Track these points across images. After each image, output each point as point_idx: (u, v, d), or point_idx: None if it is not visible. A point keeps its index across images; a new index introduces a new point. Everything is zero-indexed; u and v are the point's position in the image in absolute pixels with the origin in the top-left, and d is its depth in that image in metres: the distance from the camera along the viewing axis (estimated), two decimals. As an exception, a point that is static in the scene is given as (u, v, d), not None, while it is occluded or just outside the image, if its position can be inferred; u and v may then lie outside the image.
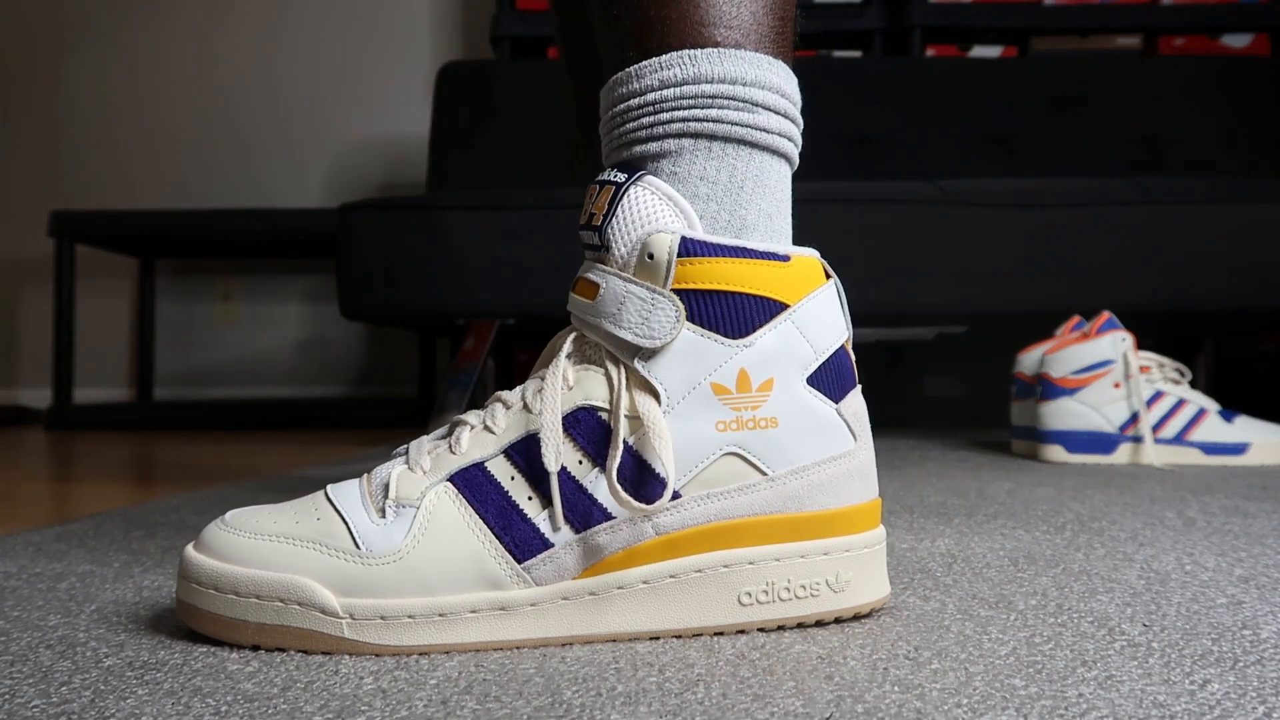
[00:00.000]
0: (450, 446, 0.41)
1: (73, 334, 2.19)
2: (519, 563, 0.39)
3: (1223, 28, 2.24)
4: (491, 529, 0.39)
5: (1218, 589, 0.48)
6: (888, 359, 2.09)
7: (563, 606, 0.39)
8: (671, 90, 0.42)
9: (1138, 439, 1.11)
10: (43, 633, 0.41)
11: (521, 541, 0.39)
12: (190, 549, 0.40)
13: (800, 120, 0.45)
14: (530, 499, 0.39)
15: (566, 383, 0.41)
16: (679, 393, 0.40)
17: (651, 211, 0.40)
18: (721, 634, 0.40)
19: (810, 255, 0.42)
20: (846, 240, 1.38)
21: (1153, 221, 1.39)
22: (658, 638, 0.40)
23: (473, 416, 0.42)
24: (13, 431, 2.04)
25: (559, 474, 0.39)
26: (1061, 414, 1.14)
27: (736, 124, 0.42)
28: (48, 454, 1.48)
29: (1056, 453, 1.14)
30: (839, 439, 0.42)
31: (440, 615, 0.38)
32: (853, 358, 0.44)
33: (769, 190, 0.43)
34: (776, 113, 0.43)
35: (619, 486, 0.38)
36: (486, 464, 0.40)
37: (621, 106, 0.43)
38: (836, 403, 0.42)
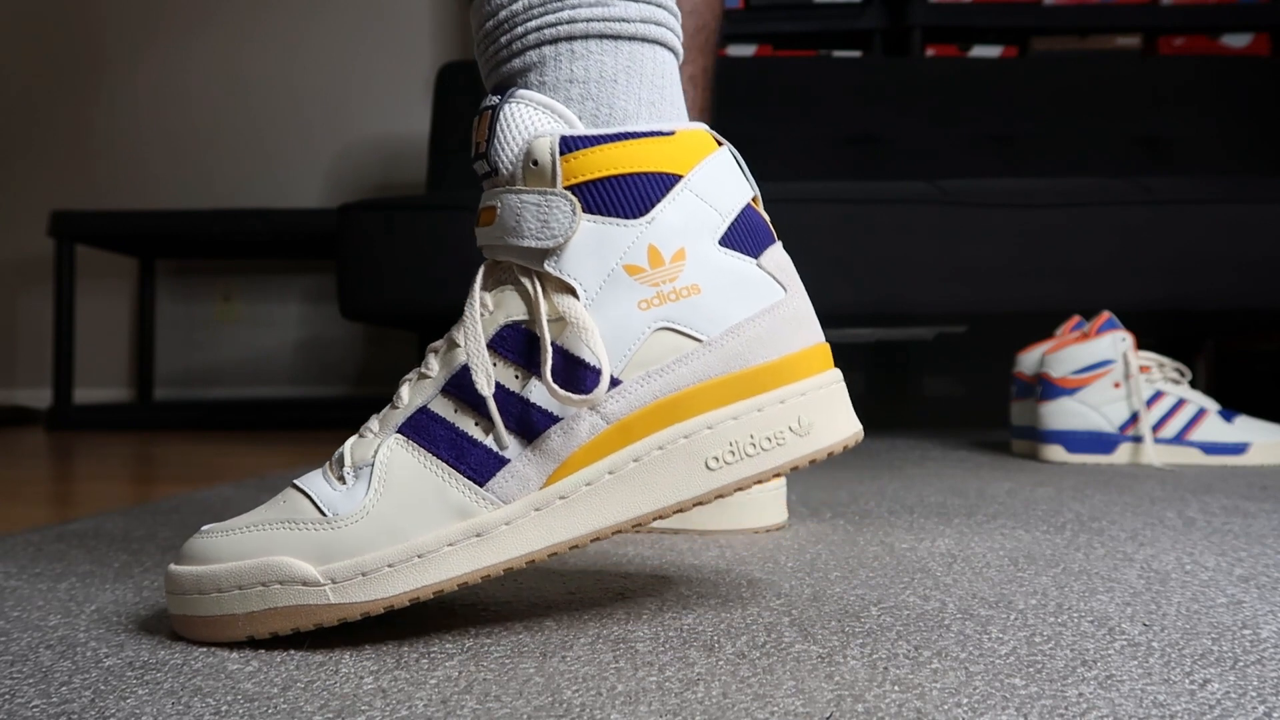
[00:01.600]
0: (393, 404, 0.42)
1: (73, 334, 2.19)
2: (481, 486, 0.39)
3: (1223, 28, 2.24)
4: (447, 461, 0.40)
5: (1218, 589, 0.48)
6: (888, 359, 2.09)
7: (537, 518, 0.39)
8: (521, 4, 0.43)
9: (1138, 439, 1.11)
10: (43, 633, 0.41)
11: (478, 465, 0.40)
12: (172, 564, 0.41)
13: (672, 4, 0.45)
14: (477, 424, 0.40)
15: (486, 309, 0.41)
16: (594, 283, 0.40)
17: (527, 122, 0.41)
18: (700, 502, 0.40)
19: (697, 127, 0.43)
20: (846, 240, 1.38)
21: (1153, 221, 1.39)
22: (641, 527, 0.40)
23: (411, 372, 0.43)
24: (13, 431, 2.04)
25: (497, 394, 0.40)
26: (1061, 414, 1.14)
27: (592, 20, 0.43)
28: (48, 454, 1.48)
29: (1056, 453, 1.14)
30: (766, 292, 0.42)
31: (419, 556, 0.39)
32: (765, 216, 0.44)
33: (647, 78, 0.44)
34: (635, 1, 0.43)
35: (555, 385, 0.39)
36: (429, 406, 0.41)
37: (483, 31, 0.45)
38: (755, 257, 0.42)
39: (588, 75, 0.43)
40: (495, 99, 0.42)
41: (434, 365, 0.42)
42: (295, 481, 0.42)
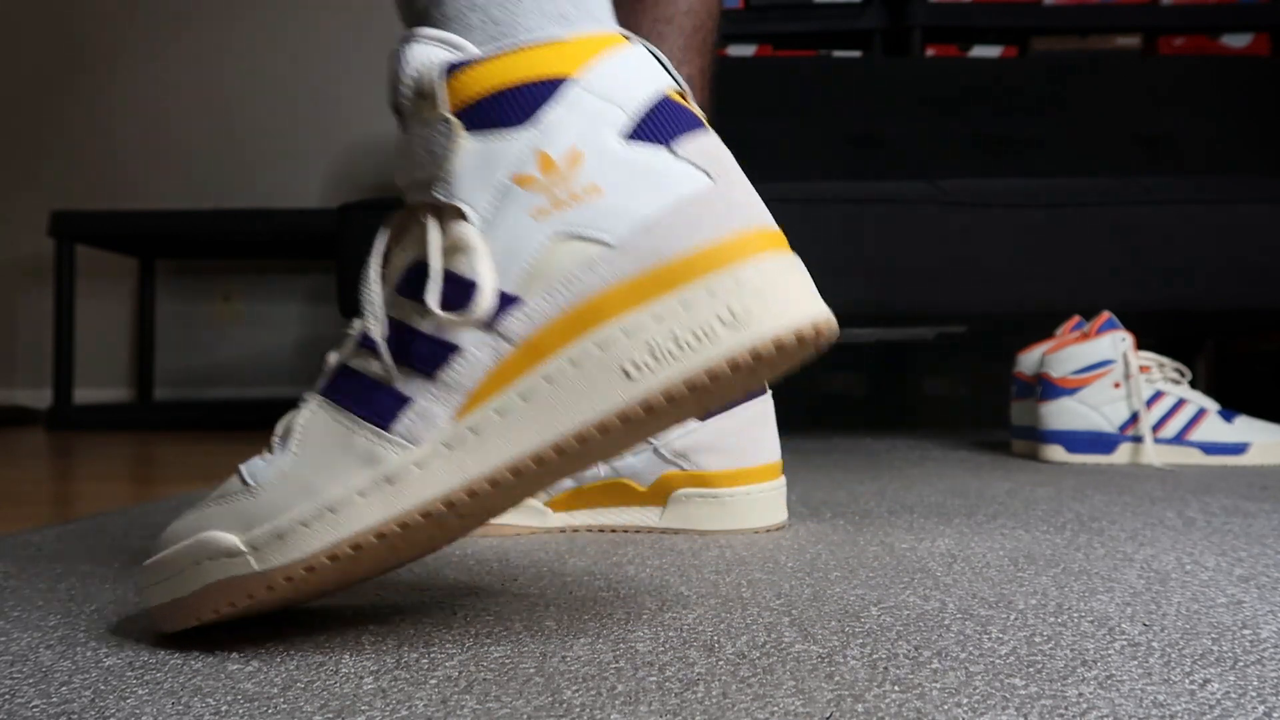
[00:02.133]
0: (323, 369, 0.41)
1: (73, 334, 2.19)
2: (386, 429, 0.38)
3: (1223, 28, 2.24)
4: (351, 409, 0.38)
5: (1218, 589, 0.48)
6: (888, 359, 2.09)
7: (449, 455, 0.37)
8: None
9: (1138, 439, 1.11)
10: (43, 633, 0.41)
11: (381, 409, 0.38)
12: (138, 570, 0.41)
13: None
14: (381, 369, 0.39)
15: (391, 256, 0.40)
16: (486, 202, 0.38)
17: (420, 59, 0.39)
18: (627, 419, 0.36)
19: (602, 30, 0.40)
20: (846, 240, 1.38)
21: (1153, 221, 1.39)
22: (564, 452, 0.37)
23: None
24: (13, 431, 2.04)
25: (399, 334, 0.38)
26: (1061, 414, 1.14)
27: None
28: (48, 454, 1.48)
29: (1056, 453, 1.14)
30: (685, 180, 0.37)
31: (331, 511, 0.37)
32: (693, 108, 0.39)
33: None
34: None
35: (436, 307, 0.37)
36: (347, 363, 0.40)
37: None
38: (669, 145, 0.38)
39: (486, 1, 0.41)
40: (397, 46, 0.41)
41: (355, 325, 0.40)
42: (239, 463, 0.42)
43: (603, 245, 0.37)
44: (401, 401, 0.38)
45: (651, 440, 0.64)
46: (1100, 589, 0.48)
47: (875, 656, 0.37)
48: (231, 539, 0.38)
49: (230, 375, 2.57)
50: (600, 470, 0.65)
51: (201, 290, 2.59)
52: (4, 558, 0.58)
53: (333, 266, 1.77)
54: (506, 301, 0.37)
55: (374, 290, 0.39)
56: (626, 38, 0.40)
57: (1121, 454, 1.12)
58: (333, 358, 0.41)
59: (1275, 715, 0.31)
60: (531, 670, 0.36)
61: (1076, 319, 1.21)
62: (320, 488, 0.37)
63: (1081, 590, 0.48)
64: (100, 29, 2.61)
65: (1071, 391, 1.13)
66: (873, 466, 1.09)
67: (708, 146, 0.38)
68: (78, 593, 0.49)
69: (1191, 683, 0.34)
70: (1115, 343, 1.13)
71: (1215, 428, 1.11)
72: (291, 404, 0.45)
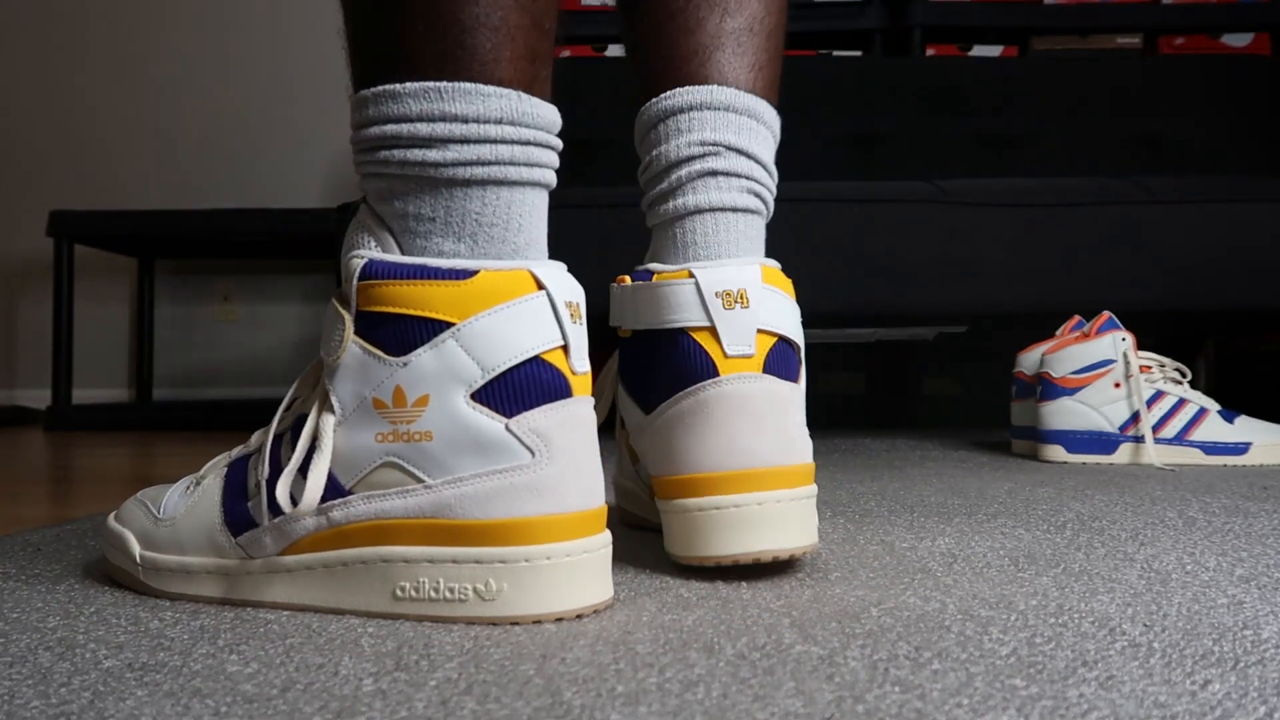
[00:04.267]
0: (247, 441, 0.49)
1: (72, 334, 2.19)
2: (235, 537, 0.46)
3: (1223, 27, 2.24)
4: (223, 506, 0.47)
5: (1219, 589, 0.48)
6: (888, 359, 2.09)
7: (270, 578, 0.45)
8: (359, 133, 0.45)
9: (1138, 439, 1.11)
10: (42, 634, 0.41)
11: (237, 520, 0.46)
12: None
13: (526, 136, 0.44)
14: (257, 486, 0.46)
15: (295, 397, 0.47)
16: (350, 405, 0.43)
17: (354, 240, 0.44)
18: (380, 620, 0.43)
19: (514, 268, 0.43)
20: (846, 240, 1.38)
21: (1153, 221, 1.39)
22: (339, 613, 0.44)
23: (279, 412, 0.48)
24: (12, 432, 2.04)
25: (273, 472, 0.45)
26: (1061, 414, 1.14)
27: (407, 162, 0.43)
28: (47, 454, 1.48)
29: (1056, 453, 1.14)
30: (505, 454, 0.42)
31: (186, 572, 0.47)
32: (565, 371, 0.43)
33: (470, 217, 0.44)
34: (459, 141, 0.43)
35: (276, 494, 0.44)
36: (249, 456, 0.48)
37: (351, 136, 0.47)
38: (508, 418, 0.42)
39: (418, 213, 0.44)
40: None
41: (273, 424, 0.47)
42: (196, 475, 0.50)
43: (419, 482, 0.42)
44: (251, 525, 0.46)
45: None
46: (1101, 589, 0.48)
47: (875, 657, 0.37)
48: (134, 549, 0.49)
49: (229, 375, 2.57)
50: None
51: (200, 290, 2.59)
52: (4, 558, 0.58)
53: (332, 266, 1.77)
54: (340, 492, 0.44)
55: (269, 440, 0.46)
56: (540, 284, 0.43)
57: (1122, 454, 1.12)
58: (255, 438, 0.48)
59: (1277, 716, 0.31)
60: (531, 672, 0.36)
61: (1076, 319, 1.21)
62: (188, 549, 0.47)
63: (1082, 591, 0.48)
64: (100, 28, 2.61)
65: (1072, 391, 1.13)
66: (873, 466, 1.09)
67: (542, 424, 0.42)
68: (77, 593, 0.49)
69: (1193, 683, 0.34)
70: (1115, 343, 1.12)
71: (1216, 428, 1.11)
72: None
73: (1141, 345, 1.60)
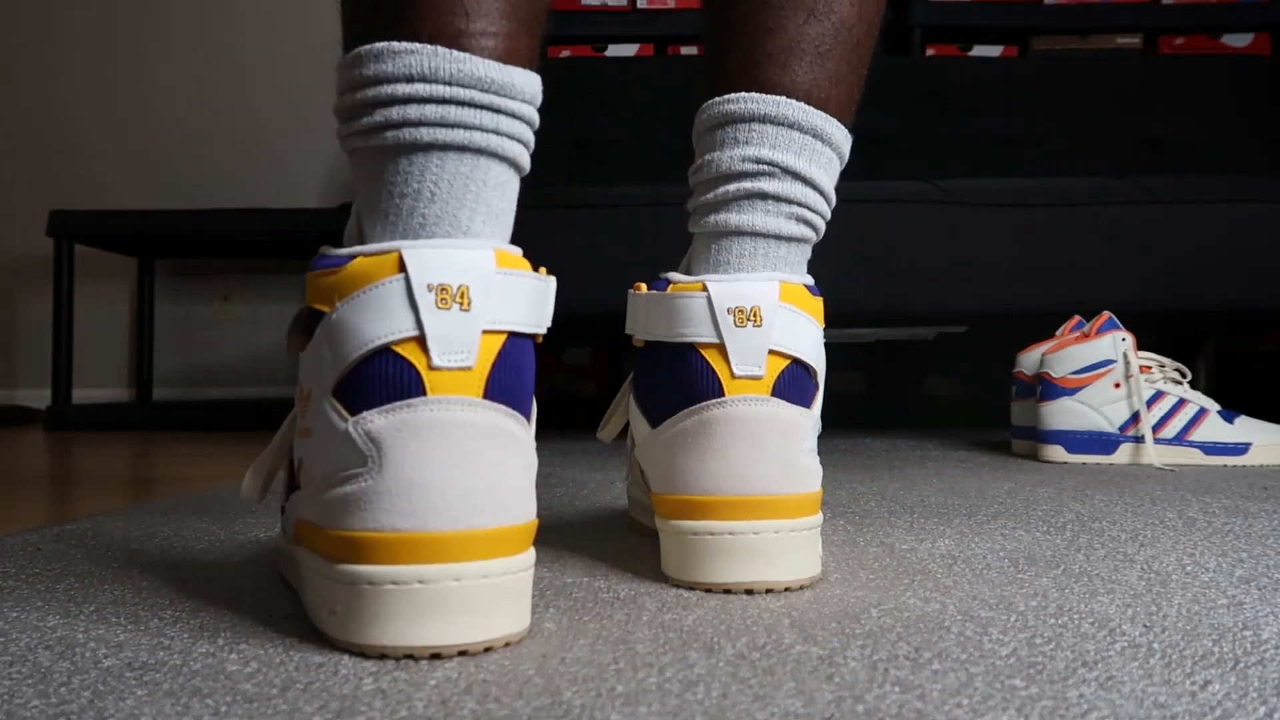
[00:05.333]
0: None
1: (72, 334, 2.19)
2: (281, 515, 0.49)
3: (1223, 27, 2.24)
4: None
5: (1219, 590, 0.48)
6: (888, 359, 2.09)
7: (291, 564, 0.46)
8: (337, 100, 0.42)
9: (1138, 439, 1.11)
10: (41, 633, 0.41)
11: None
12: None
13: (454, 96, 0.40)
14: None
15: None
16: (299, 403, 0.43)
17: (350, 229, 0.43)
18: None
19: (385, 250, 0.38)
20: (846, 240, 1.38)
21: (1153, 221, 1.39)
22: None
23: None
24: (12, 431, 2.04)
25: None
26: (1061, 414, 1.14)
27: (343, 138, 0.42)
28: (47, 454, 1.48)
29: (1056, 453, 1.14)
30: (348, 457, 0.37)
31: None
32: (420, 365, 0.37)
33: (395, 180, 0.40)
34: (368, 106, 0.40)
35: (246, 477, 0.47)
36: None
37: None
38: (352, 415, 0.37)
39: (369, 176, 0.41)
40: None
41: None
42: None
43: (309, 480, 0.40)
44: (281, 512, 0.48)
45: None
46: (1101, 590, 0.48)
47: (875, 658, 0.37)
48: None
49: (229, 375, 2.57)
50: None
51: (200, 290, 2.59)
52: (3, 558, 0.58)
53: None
54: (293, 488, 0.44)
55: (282, 443, 0.47)
56: (400, 263, 0.37)
57: (1122, 454, 1.12)
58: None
59: (1277, 716, 0.31)
60: (531, 671, 0.36)
61: (1076, 319, 1.21)
62: None
63: (1082, 591, 0.48)
64: (100, 28, 2.61)
65: (1072, 391, 1.13)
66: (873, 466, 1.09)
67: (378, 426, 0.37)
68: (77, 593, 0.49)
69: (1193, 684, 0.34)
70: (1115, 343, 1.12)
71: (1216, 428, 1.11)
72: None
73: (1141, 345, 1.60)
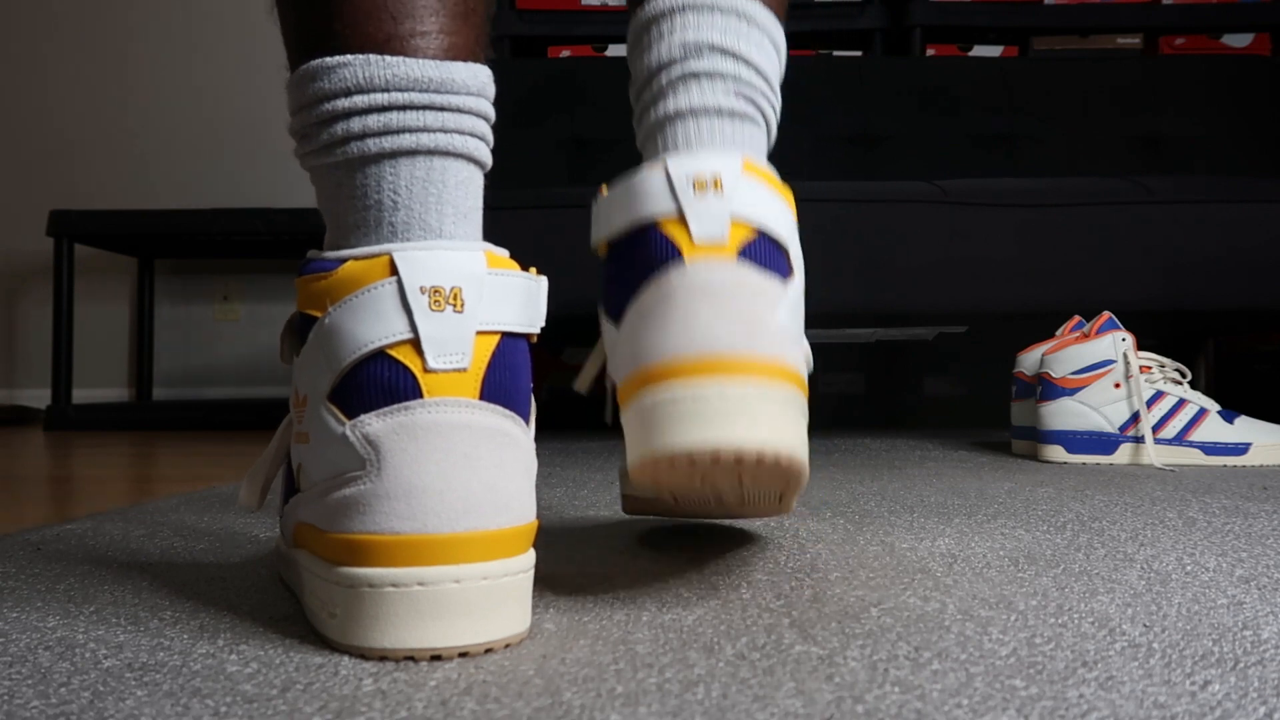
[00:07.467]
0: None
1: (72, 334, 2.19)
2: (280, 518, 0.49)
3: (1223, 28, 2.24)
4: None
5: (1219, 590, 0.48)
6: (888, 359, 2.09)
7: (291, 566, 0.46)
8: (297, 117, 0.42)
9: (1138, 439, 1.11)
10: (41, 634, 0.41)
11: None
12: None
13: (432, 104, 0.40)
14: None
15: None
16: (295, 408, 0.42)
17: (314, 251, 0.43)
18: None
19: (376, 254, 0.38)
20: (846, 240, 1.38)
21: (1153, 221, 1.39)
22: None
23: None
24: (12, 431, 2.04)
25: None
26: (1062, 414, 1.13)
27: (335, 142, 0.41)
28: (47, 454, 1.48)
29: (1056, 453, 1.14)
30: (347, 461, 0.37)
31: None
32: (415, 368, 0.37)
33: (355, 194, 0.40)
34: (316, 124, 0.40)
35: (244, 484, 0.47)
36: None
37: None
38: (350, 419, 0.38)
39: (333, 186, 0.42)
40: None
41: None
42: None
43: (309, 484, 0.40)
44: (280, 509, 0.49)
45: None
46: (1101, 590, 0.48)
47: (875, 658, 0.37)
48: None
49: (229, 375, 2.57)
50: None
51: (200, 290, 2.59)
52: (3, 558, 0.58)
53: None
54: (291, 492, 0.44)
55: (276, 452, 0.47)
56: (391, 266, 0.37)
57: (1122, 454, 1.12)
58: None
59: (1277, 716, 0.31)
60: (531, 672, 0.36)
61: (1076, 319, 1.21)
62: None
63: (1082, 591, 0.48)
64: (100, 29, 2.61)
65: (1072, 391, 1.13)
66: (873, 466, 1.09)
67: (376, 430, 0.37)
68: (77, 593, 0.49)
69: (1193, 684, 0.34)
70: (1115, 343, 1.12)
71: (1216, 428, 1.11)
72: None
73: (1141, 345, 1.61)
